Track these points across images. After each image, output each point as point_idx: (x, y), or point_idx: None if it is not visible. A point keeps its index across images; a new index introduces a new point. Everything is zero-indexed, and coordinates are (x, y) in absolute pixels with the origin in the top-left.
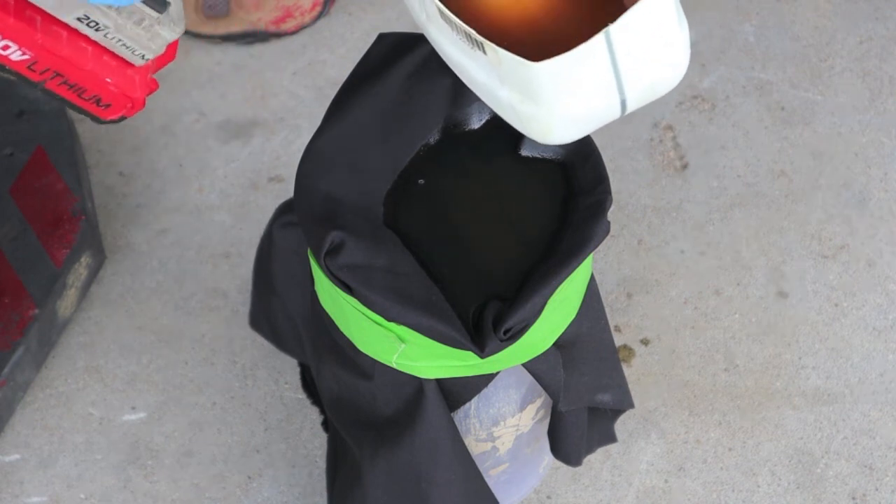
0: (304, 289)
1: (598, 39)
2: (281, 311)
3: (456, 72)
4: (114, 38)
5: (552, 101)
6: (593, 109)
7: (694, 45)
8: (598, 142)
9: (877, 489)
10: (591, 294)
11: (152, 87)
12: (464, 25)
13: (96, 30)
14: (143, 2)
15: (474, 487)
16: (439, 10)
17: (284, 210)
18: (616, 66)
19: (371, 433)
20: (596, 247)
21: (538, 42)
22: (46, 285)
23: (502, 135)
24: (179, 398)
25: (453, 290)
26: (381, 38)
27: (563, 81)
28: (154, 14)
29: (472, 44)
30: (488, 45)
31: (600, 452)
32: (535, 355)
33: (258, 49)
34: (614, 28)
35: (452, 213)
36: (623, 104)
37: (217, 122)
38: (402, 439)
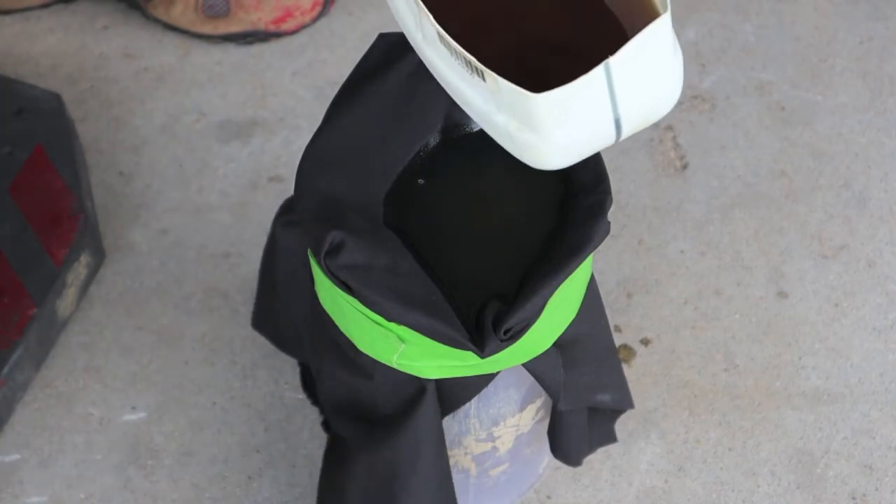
0: (305, 288)
1: (598, 71)
2: (283, 310)
3: (451, 94)
4: None
5: (550, 130)
6: (589, 138)
7: (694, 45)
8: None
9: (877, 489)
10: (591, 294)
11: None
12: (464, 52)
13: None
14: None
15: (445, 501)
16: (439, 34)
17: (287, 209)
18: (614, 96)
19: (367, 432)
20: (596, 247)
21: (535, 64)
22: (46, 284)
23: None
24: (179, 398)
25: (453, 290)
26: (382, 37)
27: (561, 112)
28: None
29: (472, 70)
30: (488, 73)
31: (600, 452)
32: (535, 355)
33: (258, 49)
34: (614, 60)
35: (452, 213)
36: (618, 132)
37: (217, 122)
38: (387, 440)
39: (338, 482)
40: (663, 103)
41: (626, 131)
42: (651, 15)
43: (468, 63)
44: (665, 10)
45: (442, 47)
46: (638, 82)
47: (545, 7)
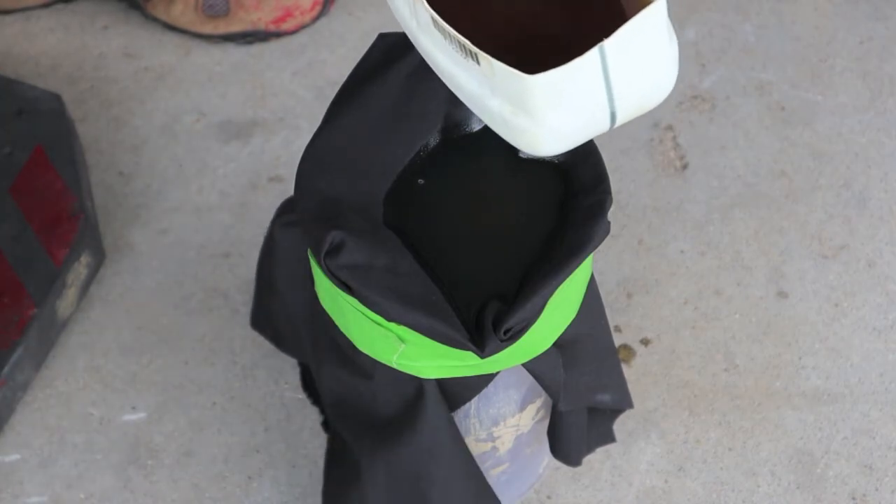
0: (305, 289)
1: (593, 54)
2: (282, 311)
3: (445, 80)
4: None
5: (544, 113)
6: (584, 123)
7: (694, 45)
8: (598, 142)
9: (877, 489)
10: (591, 294)
11: None
12: (458, 35)
13: None
14: None
15: (475, 486)
16: (432, 18)
17: (285, 209)
18: (608, 81)
19: (371, 433)
20: (596, 247)
21: (531, 53)
22: (46, 285)
23: None
24: (179, 398)
25: (453, 290)
26: (382, 37)
27: (555, 95)
28: None
29: (466, 54)
30: (482, 55)
31: (600, 452)
32: (535, 355)
33: (258, 49)
34: (608, 43)
35: (452, 214)
36: (613, 118)
37: (217, 122)
38: (401, 439)
39: (357, 492)
40: (658, 90)
41: (621, 117)
42: (647, 1)
43: (462, 47)
44: None
45: (436, 33)
46: (633, 66)
47: None
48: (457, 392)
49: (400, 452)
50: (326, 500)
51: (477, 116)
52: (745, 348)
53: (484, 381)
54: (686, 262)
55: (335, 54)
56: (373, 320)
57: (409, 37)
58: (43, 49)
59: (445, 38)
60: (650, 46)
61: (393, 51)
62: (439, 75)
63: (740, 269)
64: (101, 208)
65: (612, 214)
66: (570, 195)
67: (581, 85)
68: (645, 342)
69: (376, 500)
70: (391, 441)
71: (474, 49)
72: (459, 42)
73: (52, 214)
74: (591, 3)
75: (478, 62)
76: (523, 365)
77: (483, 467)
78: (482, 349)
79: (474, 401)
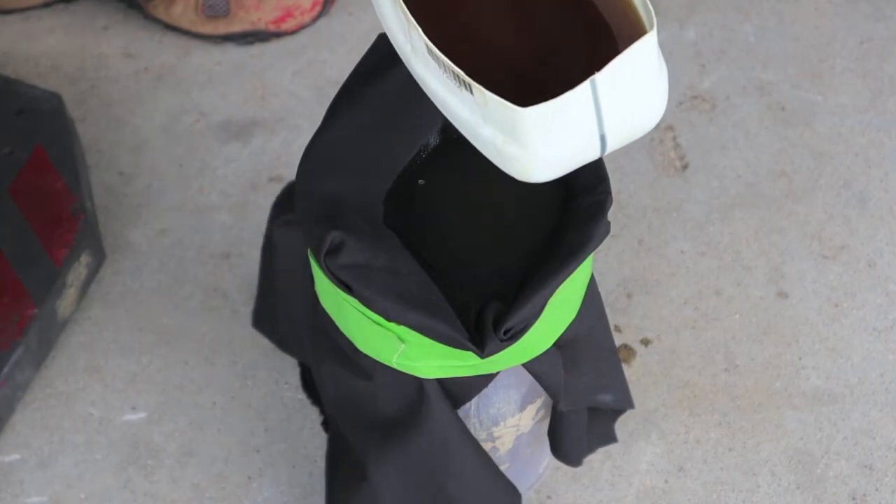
0: (305, 289)
1: (584, 87)
2: (282, 311)
3: (438, 105)
4: None
5: (535, 143)
6: (574, 152)
7: (694, 45)
8: None
9: (877, 489)
10: (592, 294)
11: None
12: (452, 65)
13: None
14: None
15: (490, 474)
16: (427, 47)
17: (281, 207)
18: (599, 112)
19: (374, 433)
20: (596, 247)
21: (523, 82)
22: (46, 285)
23: None
24: (179, 398)
25: (453, 290)
26: (381, 38)
27: (547, 126)
28: None
29: (459, 83)
30: (476, 86)
31: (600, 452)
32: (535, 355)
33: (258, 49)
34: (600, 76)
35: (452, 214)
36: (603, 147)
37: (217, 122)
38: (410, 437)
39: (366, 492)
40: (648, 119)
41: (611, 146)
42: (640, 31)
43: (456, 76)
44: (651, 28)
45: (430, 60)
46: (623, 98)
47: (536, 16)
48: (457, 392)
49: (409, 451)
50: (331, 501)
51: None
52: (745, 348)
53: (484, 381)
54: (686, 262)
55: (335, 54)
56: (373, 320)
57: (403, 60)
58: (43, 49)
59: (440, 66)
60: (641, 78)
61: (393, 51)
62: (433, 100)
63: (740, 269)
64: (101, 208)
65: (612, 214)
66: (570, 195)
67: (572, 116)
68: (645, 342)
69: (390, 500)
70: (399, 440)
71: (468, 80)
72: (454, 72)
73: (52, 214)
74: (589, 25)
75: (471, 92)
76: (523, 365)
77: None
78: (482, 349)
79: (474, 401)
